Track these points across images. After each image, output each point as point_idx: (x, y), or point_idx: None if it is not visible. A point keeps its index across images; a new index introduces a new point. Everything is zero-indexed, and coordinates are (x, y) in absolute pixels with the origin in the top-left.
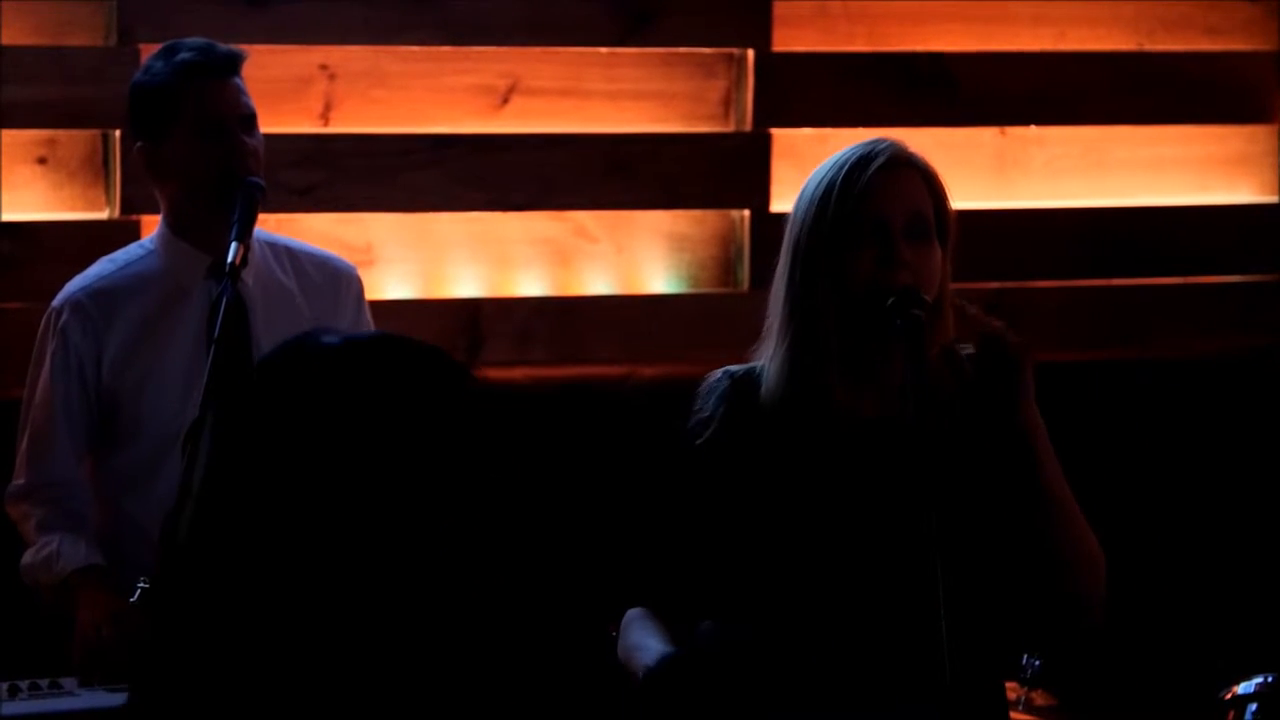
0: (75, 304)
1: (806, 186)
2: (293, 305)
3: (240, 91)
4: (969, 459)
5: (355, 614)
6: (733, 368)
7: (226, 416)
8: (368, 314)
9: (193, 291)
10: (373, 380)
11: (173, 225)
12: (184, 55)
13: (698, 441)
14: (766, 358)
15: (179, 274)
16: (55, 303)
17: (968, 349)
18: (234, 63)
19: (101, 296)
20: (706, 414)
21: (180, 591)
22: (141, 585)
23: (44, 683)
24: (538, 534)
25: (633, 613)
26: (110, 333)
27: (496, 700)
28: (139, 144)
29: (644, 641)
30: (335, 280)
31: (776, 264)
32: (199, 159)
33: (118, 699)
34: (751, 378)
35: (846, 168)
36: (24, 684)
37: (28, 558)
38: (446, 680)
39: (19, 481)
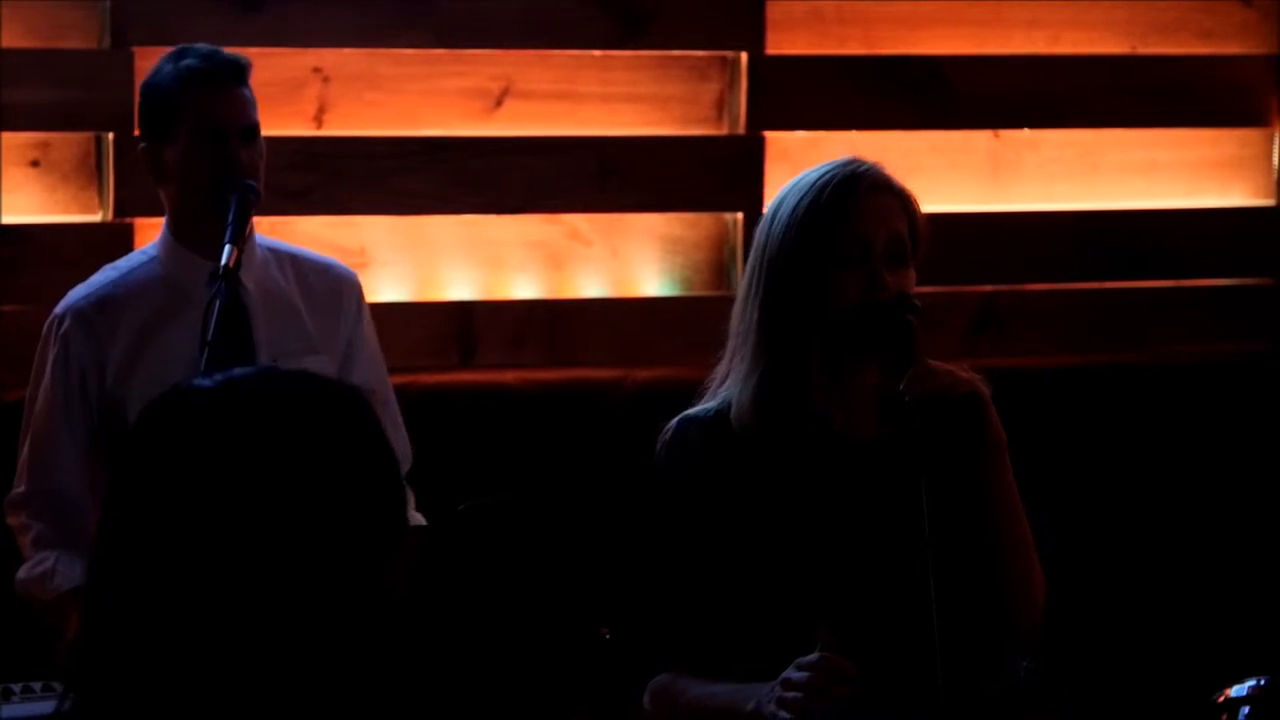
0: (77, 312)
1: (779, 208)
2: (293, 311)
3: (243, 102)
4: (944, 468)
5: (254, 648)
6: (691, 413)
7: (113, 469)
8: (368, 320)
9: (194, 297)
10: (252, 418)
11: (174, 230)
12: (189, 61)
13: (686, 494)
14: (734, 388)
15: (181, 280)
16: (57, 310)
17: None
18: (238, 72)
19: (104, 304)
20: (693, 465)
21: (91, 636)
22: None
23: (36, 685)
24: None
25: (663, 678)
26: (113, 340)
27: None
28: (143, 144)
29: (711, 689)
30: (337, 287)
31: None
32: (194, 166)
33: None
34: (719, 418)
35: (830, 189)
36: (16, 687)
37: (23, 572)
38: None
39: (19, 489)
